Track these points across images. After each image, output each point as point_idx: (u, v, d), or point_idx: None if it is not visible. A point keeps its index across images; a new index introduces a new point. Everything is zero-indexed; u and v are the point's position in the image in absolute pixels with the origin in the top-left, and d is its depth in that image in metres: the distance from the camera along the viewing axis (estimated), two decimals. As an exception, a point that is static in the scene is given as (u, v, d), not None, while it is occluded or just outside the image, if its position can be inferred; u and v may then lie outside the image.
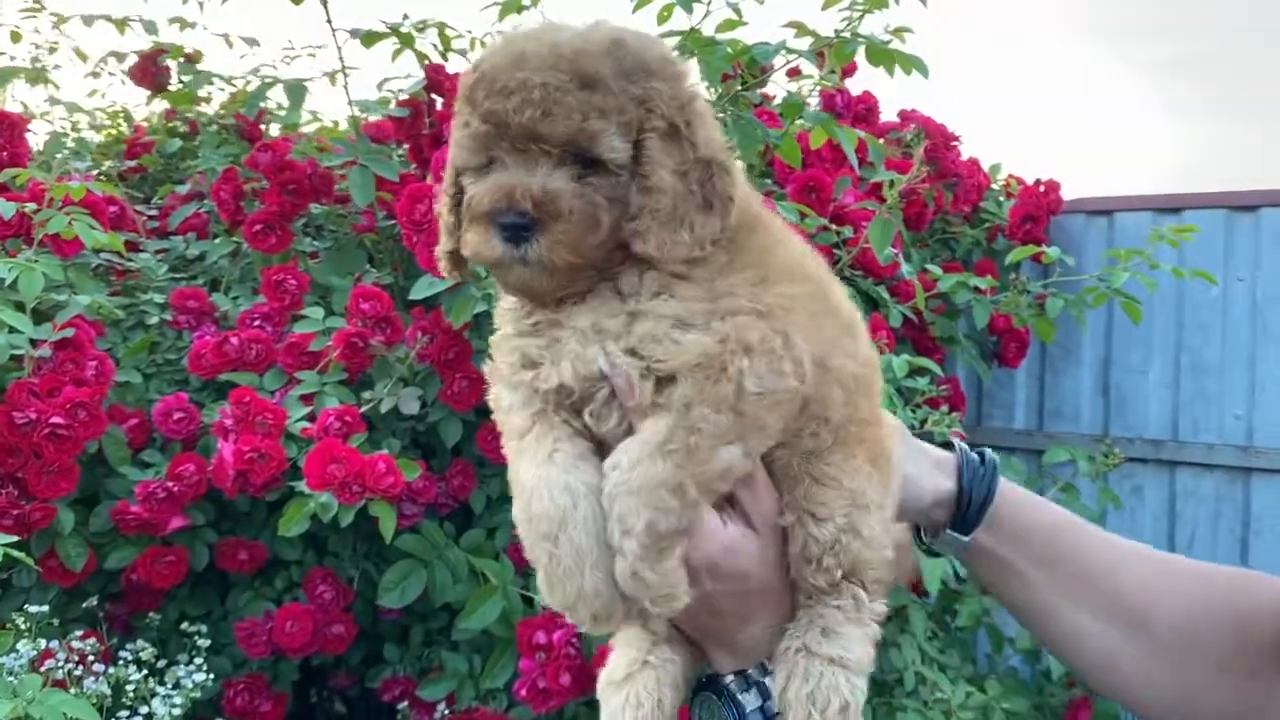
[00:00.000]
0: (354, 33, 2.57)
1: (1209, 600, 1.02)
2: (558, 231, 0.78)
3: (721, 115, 2.52)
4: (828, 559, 0.89)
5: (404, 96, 2.68)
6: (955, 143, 3.71)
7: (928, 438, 2.03)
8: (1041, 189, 3.81)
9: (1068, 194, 3.90)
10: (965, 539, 1.04)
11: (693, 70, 0.85)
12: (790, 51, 2.42)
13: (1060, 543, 1.04)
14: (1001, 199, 3.98)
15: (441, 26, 2.72)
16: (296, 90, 2.60)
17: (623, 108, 0.78)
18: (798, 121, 2.63)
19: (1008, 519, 1.04)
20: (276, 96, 2.76)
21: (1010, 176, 4.06)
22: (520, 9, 2.77)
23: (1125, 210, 3.93)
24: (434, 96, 2.70)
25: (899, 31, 2.33)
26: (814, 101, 3.18)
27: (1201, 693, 1.00)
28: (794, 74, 3.12)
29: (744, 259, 0.83)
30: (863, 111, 3.37)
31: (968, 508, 1.03)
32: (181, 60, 3.11)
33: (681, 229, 0.79)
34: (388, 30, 2.57)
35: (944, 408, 2.65)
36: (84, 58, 3.52)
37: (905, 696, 2.54)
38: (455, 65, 2.82)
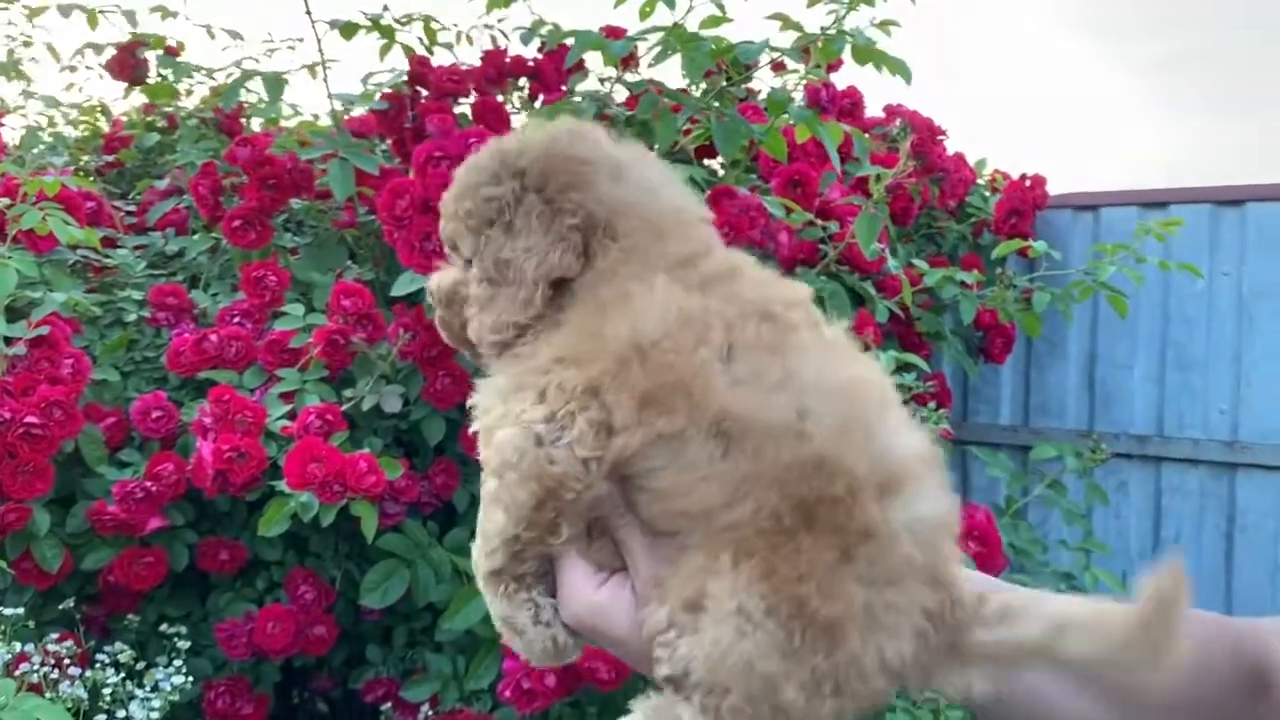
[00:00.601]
0: (333, 24, 2.54)
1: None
2: (437, 316, 0.95)
3: (707, 111, 2.50)
4: (657, 648, 0.80)
5: (387, 90, 2.65)
6: (941, 137, 3.70)
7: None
8: (1027, 184, 3.81)
9: (1062, 190, 3.90)
10: None
11: (602, 163, 0.87)
12: (774, 50, 2.40)
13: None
14: (987, 194, 3.98)
15: (427, 20, 2.69)
16: (274, 83, 2.57)
17: (474, 211, 0.88)
18: (782, 116, 2.62)
19: None
20: (256, 89, 2.73)
21: (996, 171, 4.06)
22: (506, 3, 2.75)
23: (1111, 205, 3.94)
24: (418, 90, 2.67)
25: (885, 25, 2.31)
26: (799, 96, 3.16)
27: None
28: (779, 68, 3.10)
29: (553, 335, 0.85)
30: (848, 106, 3.36)
31: None
32: (161, 53, 3.07)
33: (489, 314, 0.87)
34: (367, 22, 2.55)
35: (931, 404, 2.63)
36: (57, 57, 3.48)
37: (894, 695, 2.53)
38: (441, 59, 2.80)
